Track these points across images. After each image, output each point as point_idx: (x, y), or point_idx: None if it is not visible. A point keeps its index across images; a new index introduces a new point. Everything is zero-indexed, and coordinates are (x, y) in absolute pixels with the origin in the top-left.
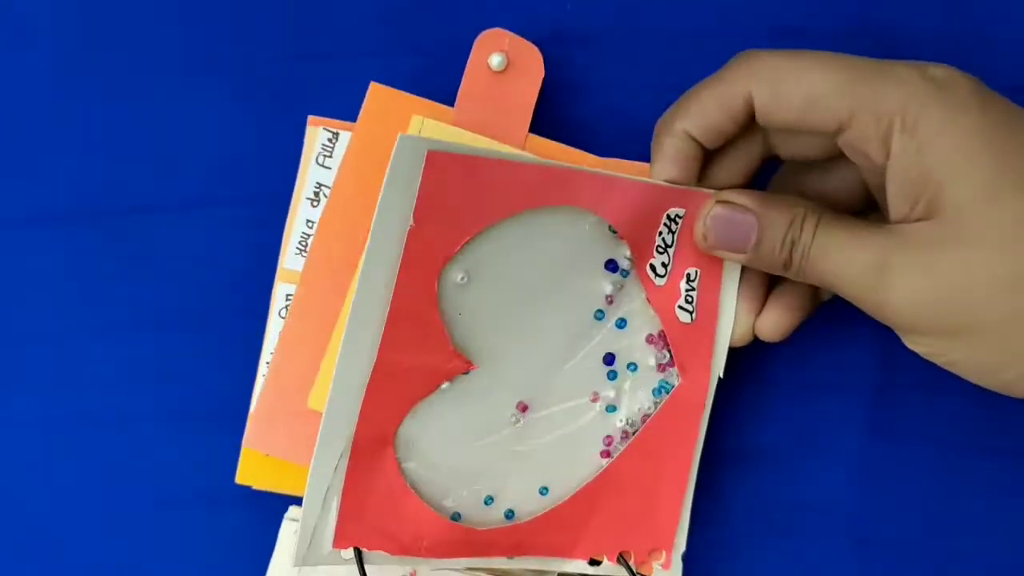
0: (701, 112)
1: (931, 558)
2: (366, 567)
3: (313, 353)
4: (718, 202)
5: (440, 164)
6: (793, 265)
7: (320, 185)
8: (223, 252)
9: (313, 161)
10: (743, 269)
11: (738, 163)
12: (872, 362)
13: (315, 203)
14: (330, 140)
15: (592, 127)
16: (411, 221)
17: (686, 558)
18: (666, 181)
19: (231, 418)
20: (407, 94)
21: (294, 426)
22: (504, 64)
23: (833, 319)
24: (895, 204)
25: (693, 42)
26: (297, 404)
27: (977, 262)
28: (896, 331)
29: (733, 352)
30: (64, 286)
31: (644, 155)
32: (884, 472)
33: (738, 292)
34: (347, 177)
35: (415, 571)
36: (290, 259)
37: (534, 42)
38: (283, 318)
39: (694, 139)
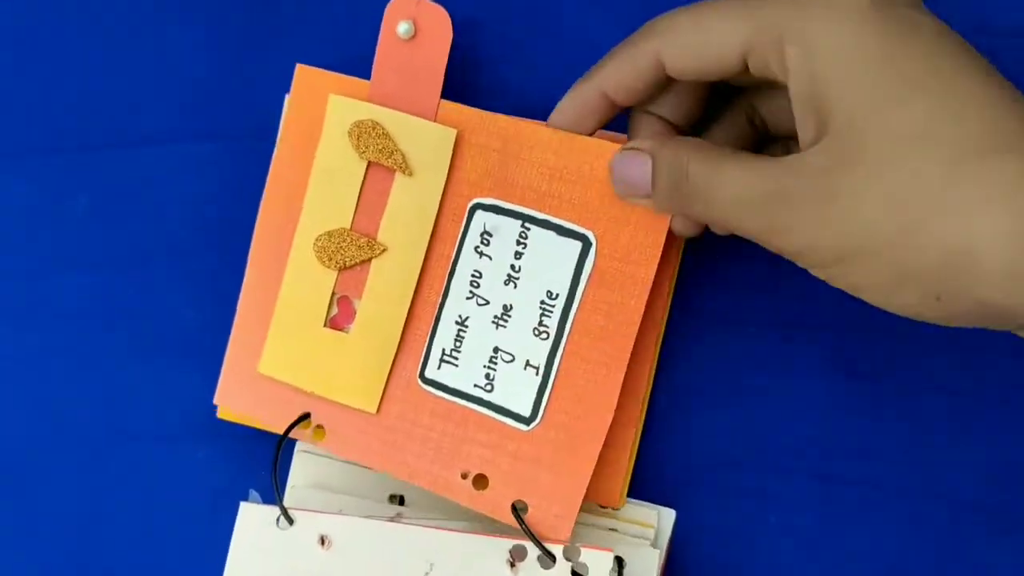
0: (615, 69)
1: (893, 495)
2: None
3: (266, 320)
4: (622, 147)
5: None
6: (688, 206)
7: None
8: (193, 188)
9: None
10: None
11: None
12: (835, 300)
13: None
14: None
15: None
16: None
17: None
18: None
19: (202, 354)
20: (329, 73)
21: (256, 388)
22: (412, 32)
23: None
24: (801, 128)
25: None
26: (255, 370)
27: (862, 180)
28: (801, 265)
29: (699, 290)
30: (34, 221)
31: None
32: (847, 410)
33: None
34: (284, 155)
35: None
36: None
37: (446, 6)
38: None
39: (606, 95)
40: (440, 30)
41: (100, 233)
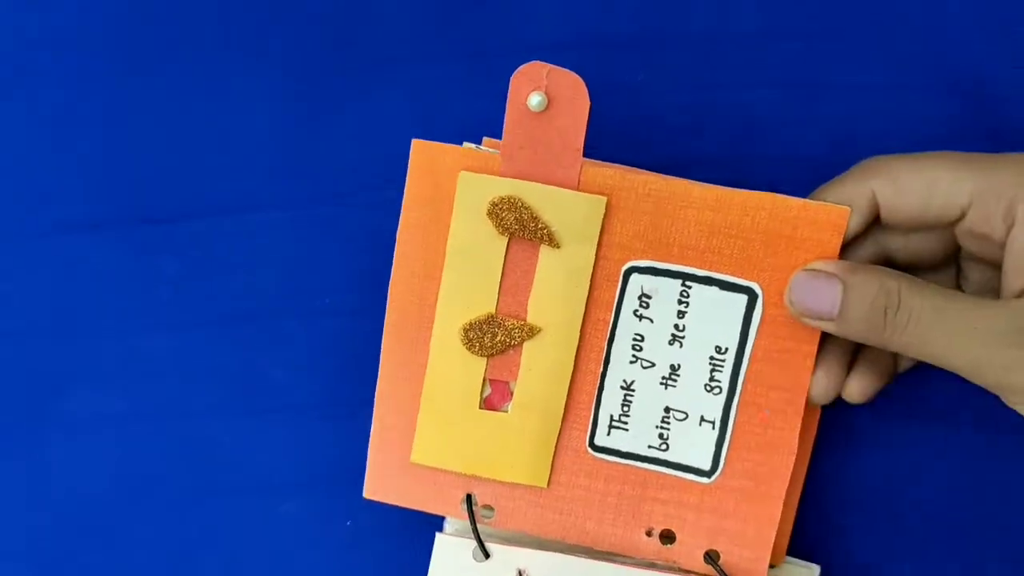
0: None
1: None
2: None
3: (410, 406)
4: (803, 270)
5: None
6: (890, 334)
7: None
8: (276, 253)
9: None
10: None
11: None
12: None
13: None
14: None
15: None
16: None
17: None
18: None
19: (288, 411)
20: (448, 146)
21: (407, 476)
22: (544, 104)
23: None
24: (1012, 277)
25: (726, 42)
26: (404, 458)
27: None
28: (1008, 399)
29: None
30: (125, 286)
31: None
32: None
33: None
34: (409, 236)
35: (524, 570)
36: None
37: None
38: None
39: None
40: (576, 99)
41: (188, 297)
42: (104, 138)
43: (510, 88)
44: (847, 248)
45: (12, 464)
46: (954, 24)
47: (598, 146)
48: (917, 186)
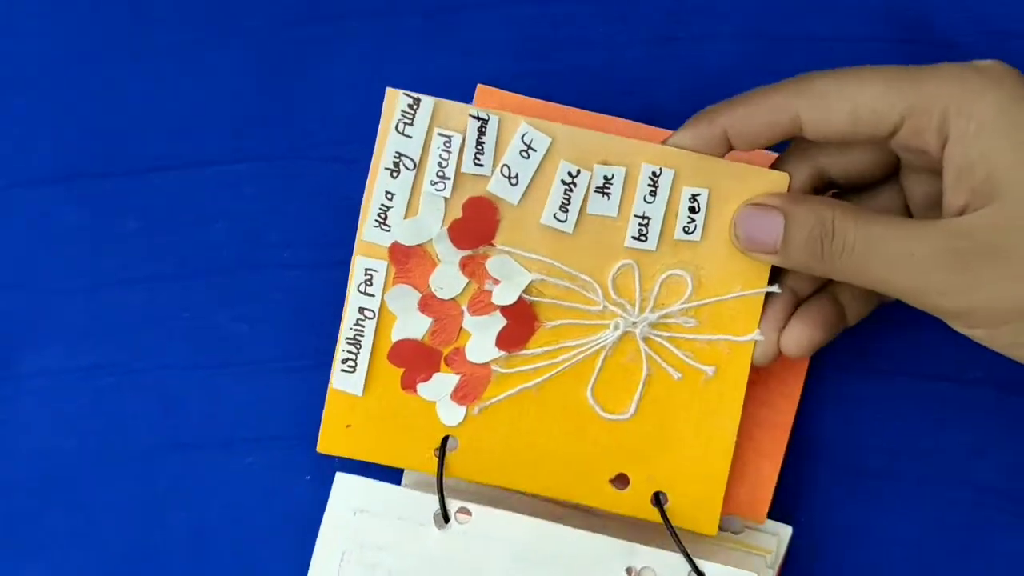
0: (746, 117)
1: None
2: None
3: None
4: (746, 204)
5: None
6: (829, 262)
7: (400, 155)
8: (237, 206)
9: (392, 129)
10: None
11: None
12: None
13: (395, 173)
14: (411, 107)
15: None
16: None
17: None
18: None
19: (248, 364)
20: (514, 95)
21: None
22: None
23: None
24: (952, 193)
25: None
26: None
27: None
28: (950, 323)
29: None
30: (87, 241)
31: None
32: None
33: (763, 309)
34: None
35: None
36: (368, 231)
37: None
38: (362, 293)
39: (726, 137)
40: None
41: (149, 251)
42: (67, 93)
43: None
44: (778, 166)
45: None
46: None
47: (559, 100)
48: (843, 109)
